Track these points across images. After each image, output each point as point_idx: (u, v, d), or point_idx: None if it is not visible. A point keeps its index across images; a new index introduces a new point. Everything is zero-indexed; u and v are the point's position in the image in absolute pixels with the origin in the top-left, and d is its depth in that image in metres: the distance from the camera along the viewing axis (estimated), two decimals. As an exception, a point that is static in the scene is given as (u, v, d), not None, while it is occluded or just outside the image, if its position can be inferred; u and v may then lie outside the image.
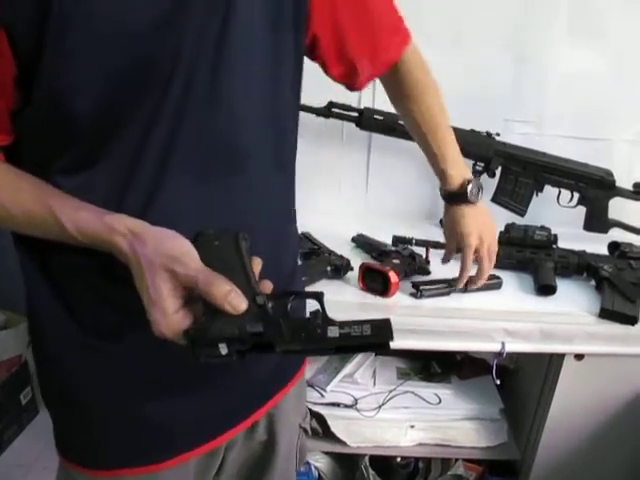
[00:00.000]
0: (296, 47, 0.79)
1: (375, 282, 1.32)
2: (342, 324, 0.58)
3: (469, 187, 1.12)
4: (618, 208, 1.65)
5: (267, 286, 0.65)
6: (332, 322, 0.58)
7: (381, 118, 1.55)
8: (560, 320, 1.30)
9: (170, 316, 0.59)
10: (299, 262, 1.00)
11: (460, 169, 1.12)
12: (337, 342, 0.57)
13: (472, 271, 1.23)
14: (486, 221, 1.19)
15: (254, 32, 0.72)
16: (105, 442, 0.83)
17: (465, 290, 1.31)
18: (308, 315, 0.60)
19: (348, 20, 0.85)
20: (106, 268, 0.70)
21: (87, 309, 0.76)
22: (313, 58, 0.89)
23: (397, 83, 1.04)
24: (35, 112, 0.65)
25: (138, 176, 0.69)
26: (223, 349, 0.57)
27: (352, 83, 0.95)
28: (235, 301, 0.58)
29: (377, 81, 1.04)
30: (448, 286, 1.33)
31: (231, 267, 0.62)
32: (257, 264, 0.67)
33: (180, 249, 0.61)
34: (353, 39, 0.87)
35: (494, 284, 1.39)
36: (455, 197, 1.14)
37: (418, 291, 1.32)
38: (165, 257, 0.60)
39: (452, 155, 1.11)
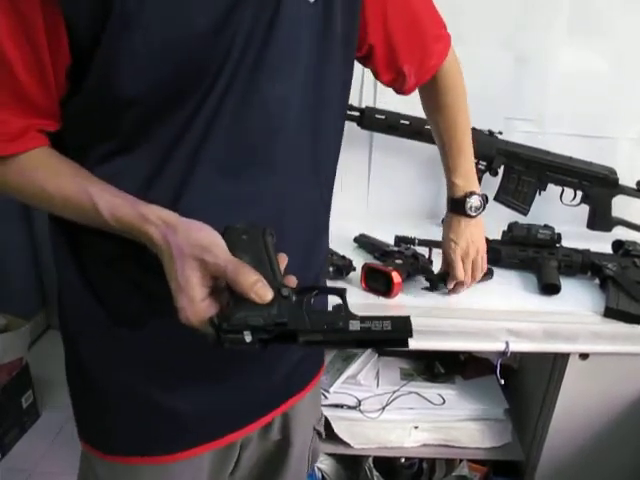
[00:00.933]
0: (346, 60, 0.82)
1: (378, 282, 1.31)
2: (363, 319, 0.60)
3: (470, 199, 1.15)
4: (622, 206, 1.64)
5: (292, 280, 0.66)
6: (354, 316, 0.61)
7: (382, 117, 1.54)
8: (564, 319, 1.29)
9: (197, 304, 0.61)
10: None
11: (468, 182, 1.16)
12: (358, 335, 0.59)
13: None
14: (476, 236, 1.22)
15: (300, 37, 0.74)
16: (120, 428, 0.85)
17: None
18: (330, 309, 0.63)
19: (398, 30, 0.89)
20: (136, 255, 0.71)
21: (113, 294, 0.78)
22: (365, 64, 0.93)
23: (434, 91, 1.06)
24: (84, 101, 0.68)
25: (171, 166, 0.72)
26: (247, 337, 0.59)
27: (401, 88, 0.99)
28: (261, 291, 0.60)
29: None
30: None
31: (258, 260, 0.65)
32: (283, 260, 0.69)
33: (209, 239, 0.64)
34: (403, 48, 0.91)
35: (485, 276, 1.36)
36: (454, 206, 1.18)
37: (432, 284, 1.32)
38: (195, 247, 0.62)
39: (464, 168, 1.15)
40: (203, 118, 0.70)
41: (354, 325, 0.59)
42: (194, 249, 0.62)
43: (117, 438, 0.85)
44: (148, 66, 0.65)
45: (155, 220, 0.65)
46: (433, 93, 1.07)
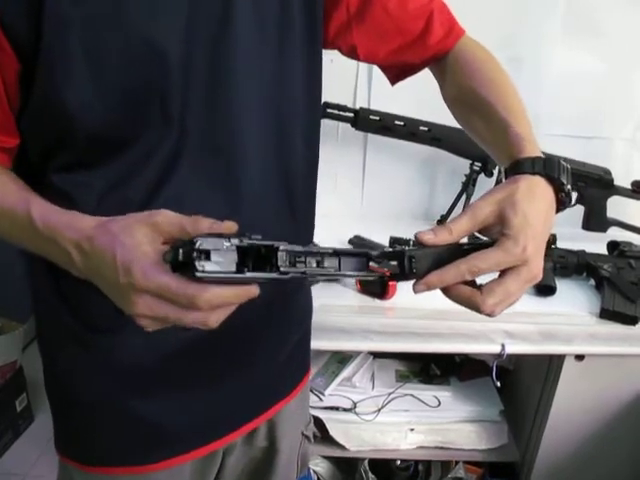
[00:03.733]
0: (308, 59, 0.79)
1: (373, 285, 1.31)
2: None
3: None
4: (617, 207, 1.63)
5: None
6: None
7: (377, 118, 1.53)
8: (560, 321, 1.29)
9: (154, 257, 0.54)
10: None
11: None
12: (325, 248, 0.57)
13: None
14: (547, 226, 0.66)
15: (252, 32, 0.71)
16: (98, 438, 0.83)
17: None
18: None
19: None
20: None
21: (86, 305, 0.76)
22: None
23: (454, 64, 0.92)
24: (35, 114, 0.66)
25: (141, 178, 0.69)
26: (225, 242, 0.51)
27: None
28: (225, 224, 0.55)
29: (372, 82, 1.03)
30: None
31: None
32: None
33: (150, 211, 0.58)
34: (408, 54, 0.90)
35: None
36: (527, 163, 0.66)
37: None
38: (141, 217, 0.56)
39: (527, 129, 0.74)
40: (166, 148, 0.67)
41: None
42: (141, 219, 0.56)
43: (95, 448, 0.84)
44: (89, 76, 0.62)
45: (82, 225, 0.59)
46: (454, 65, 0.92)
